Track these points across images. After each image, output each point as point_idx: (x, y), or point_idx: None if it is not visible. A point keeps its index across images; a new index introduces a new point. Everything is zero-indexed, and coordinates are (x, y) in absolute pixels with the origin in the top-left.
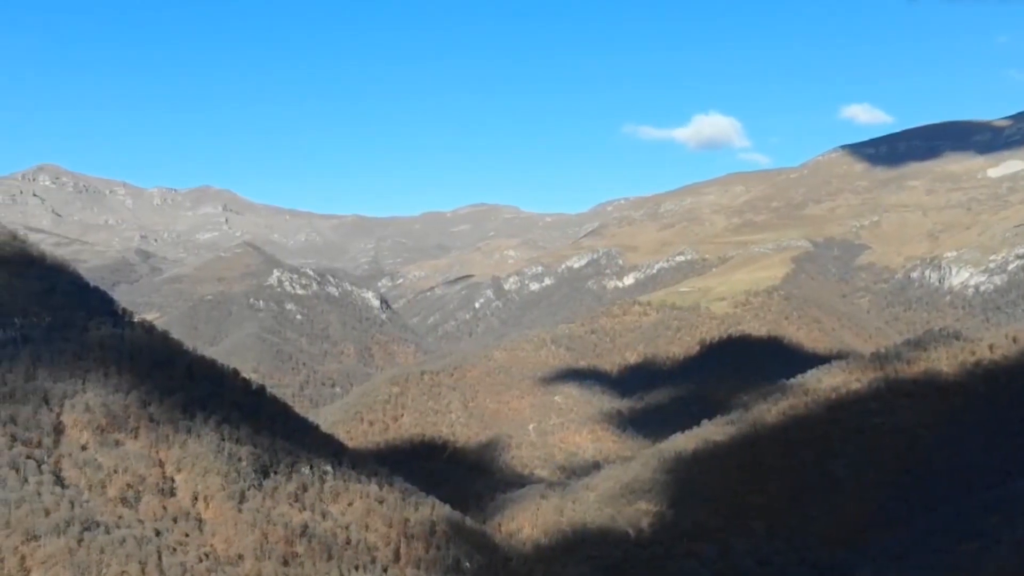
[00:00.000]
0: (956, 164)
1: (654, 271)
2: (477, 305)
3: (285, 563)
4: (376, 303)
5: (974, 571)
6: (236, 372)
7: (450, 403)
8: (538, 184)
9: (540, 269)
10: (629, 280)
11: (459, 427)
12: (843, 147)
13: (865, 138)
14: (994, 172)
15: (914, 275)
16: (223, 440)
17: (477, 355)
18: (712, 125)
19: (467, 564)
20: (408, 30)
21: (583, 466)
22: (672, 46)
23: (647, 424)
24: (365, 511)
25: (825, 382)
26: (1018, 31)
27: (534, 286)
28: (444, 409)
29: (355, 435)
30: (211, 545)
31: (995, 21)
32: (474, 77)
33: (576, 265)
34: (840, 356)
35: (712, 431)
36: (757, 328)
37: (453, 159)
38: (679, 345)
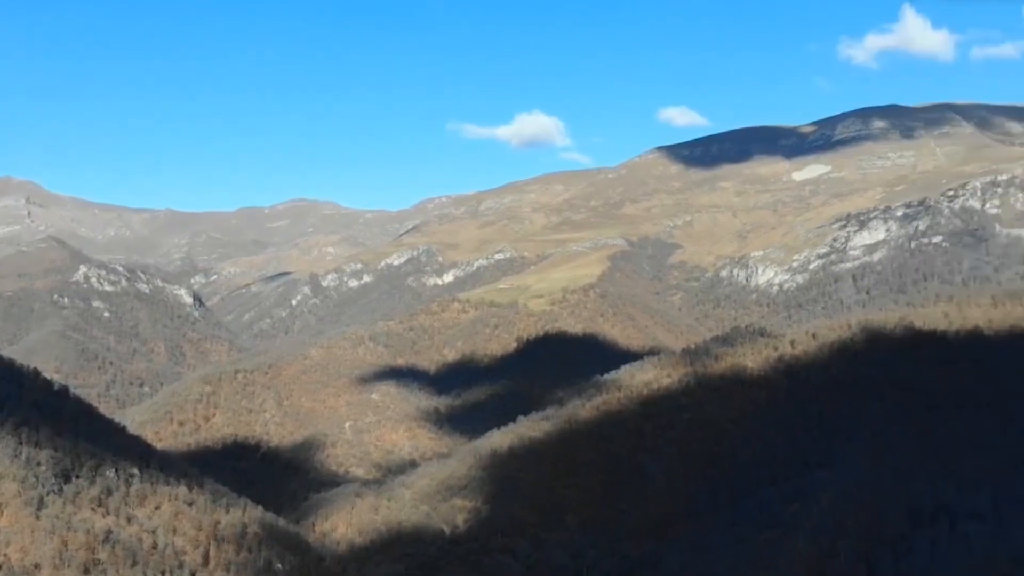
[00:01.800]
0: (764, 167)
1: (474, 269)
2: (294, 302)
3: (86, 571)
4: (189, 300)
5: (773, 559)
6: (37, 372)
7: (264, 402)
8: (359, 180)
9: (359, 266)
10: (449, 278)
11: (273, 426)
12: (659, 148)
13: (682, 140)
14: (798, 175)
15: (723, 273)
16: (21, 444)
17: (293, 353)
18: (535, 124)
19: (279, 566)
20: (224, 19)
21: (400, 464)
22: (497, 44)
23: (465, 421)
24: (173, 514)
25: (638, 378)
26: (826, 40)
27: (353, 283)
28: (258, 408)
29: (164, 436)
30: (5, 555)
31: (806, 30)
32: (294, 70)
33: (396, 262)
34: (653, 352)
35: (528, 427)
36: (573, 325)
37: (272, 153)
38: (497, 342)
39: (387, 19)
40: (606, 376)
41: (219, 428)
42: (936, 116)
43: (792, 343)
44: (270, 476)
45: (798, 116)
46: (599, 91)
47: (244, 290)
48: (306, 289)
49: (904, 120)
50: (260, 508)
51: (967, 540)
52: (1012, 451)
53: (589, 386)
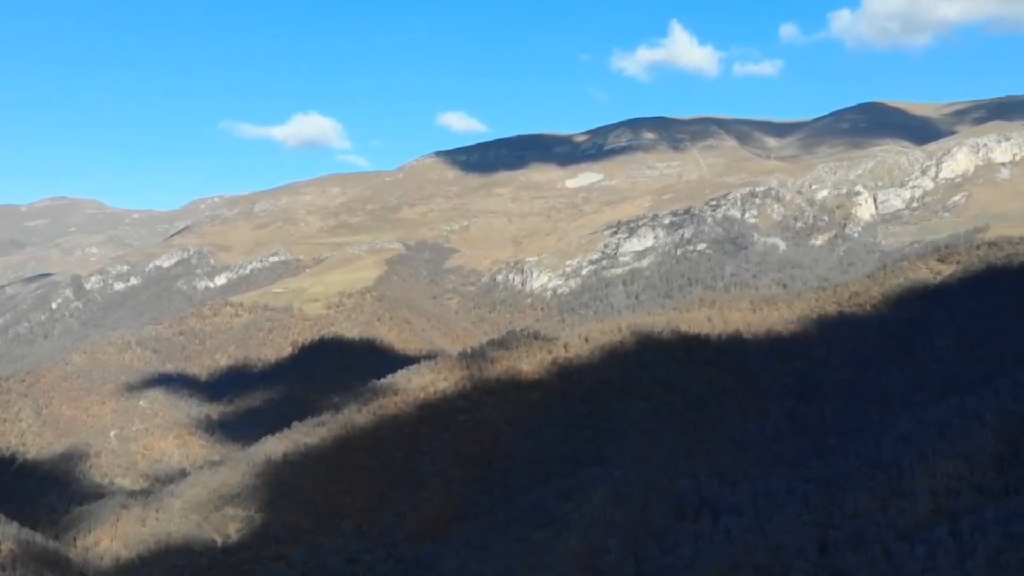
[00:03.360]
0: (539, 174)
1: (247, 271)
2: (54, 305)
3: None
4: None
5: (548, 556)
6: None
7: (21, 411)
8: (126, 179)
9: (126, 268)
10: (221, 280)
11: (31, 436)
12: (437, 153)
13: (460, 145)
14: (572, 183)
15: (499, 278)
16: None
17: (53, 359)
18: (312, 125)
19: None
20: None
21: (169, 473)
22: (274, 43)
23: (238, 428)
24: None
25: (414, 382)
26: (599, 52)
27: (119, 286)
28: (13, 418)
29: None
30: None
31: (580, 41)
32: (55, 59)
33: (165, 264)
34: (429, 356)
35: (304, 433)
36: (350, 329)
37: (30, 148)
38: (272, 347)
39: (155, 15)
40: (383, 380)
41: None
42: (701, 129)
43: (565, 346)
44: (27, 490)
45: (572, 125)
46: (378, 94)
47: None
48: (68, 291)
49: (672, 132)
50: (15, 524)
51: (728, 533)
52: (769, 448)
53: (366, 391)
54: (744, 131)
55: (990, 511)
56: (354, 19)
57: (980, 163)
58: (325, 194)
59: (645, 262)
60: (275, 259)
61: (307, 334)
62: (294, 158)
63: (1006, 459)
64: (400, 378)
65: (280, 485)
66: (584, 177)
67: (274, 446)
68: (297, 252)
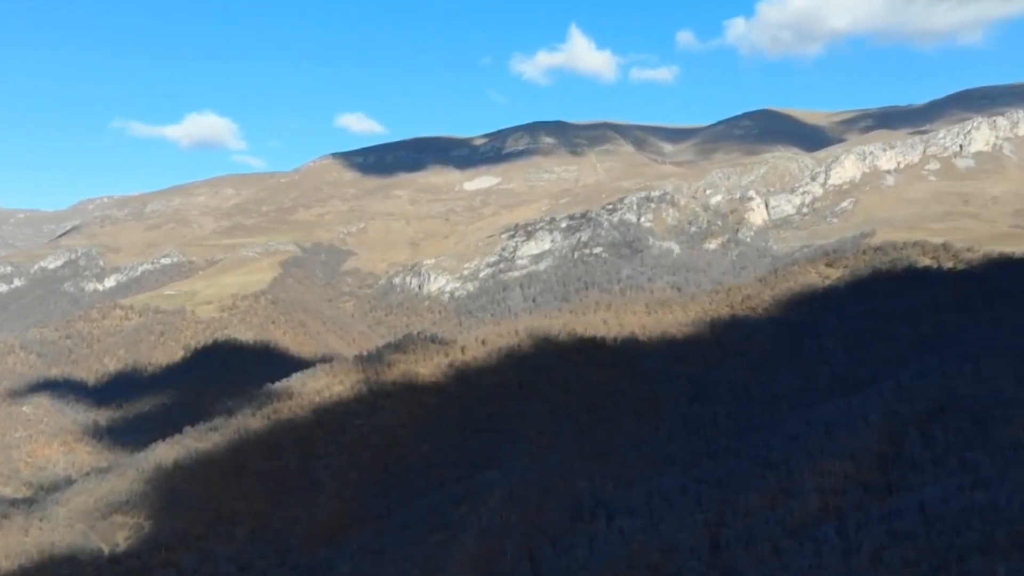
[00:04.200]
0: (437, 176)
1: (138, 273)
2: None
3: None
4: None
5: (443, 560)
6: None
7: None
8: (9, 178)
9: (9, 269)
10: (110, 282)
11: None
12: (334, 154)
13: (358, 147)
14: (470, 185)
15: (396, 281)
16: None
17: None
18: (206, 125)
19: None
20: None
21: (54, 481)
22: (168, 40)
23: (128, 434)
24: None
25: (309, 386)
26: (499, 55)
27: (1, 288)
28: None
29: None
30: None
31: (480, 43)
32: None
33: (51, 265)
34: (325, 360)
35: (195, 438)
36: (244, 332)
37: None
38: (163, 350)
39: (42, 9)
40: (277, 384)
41: None
42: (599, 134)
43: (463, 349)
44: None
45: (472, 128)
46: (275, 94)
47: None
48: None
49: (570, 136)
50: None
51: (623, 533)
52: (663, 449)
53: (260, 395)
54: (641, 136)
55: (874, 509)
56: (252, 16)
57: (867, 170)
58: (219, 195)
59: (542, 265)
60: (167, 261)
61: (200, 337)
62: (189, 158)
63: (890, 458)
64: (295, 382)
65: (171, 491)
66: (482, 180)
67: (165, 452)
68: (190, 254)
